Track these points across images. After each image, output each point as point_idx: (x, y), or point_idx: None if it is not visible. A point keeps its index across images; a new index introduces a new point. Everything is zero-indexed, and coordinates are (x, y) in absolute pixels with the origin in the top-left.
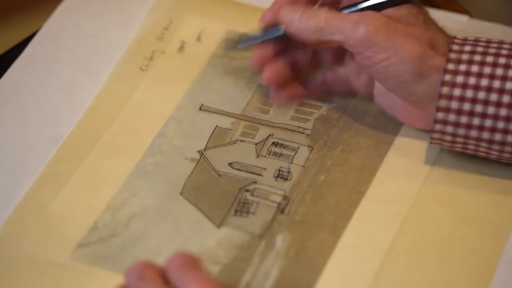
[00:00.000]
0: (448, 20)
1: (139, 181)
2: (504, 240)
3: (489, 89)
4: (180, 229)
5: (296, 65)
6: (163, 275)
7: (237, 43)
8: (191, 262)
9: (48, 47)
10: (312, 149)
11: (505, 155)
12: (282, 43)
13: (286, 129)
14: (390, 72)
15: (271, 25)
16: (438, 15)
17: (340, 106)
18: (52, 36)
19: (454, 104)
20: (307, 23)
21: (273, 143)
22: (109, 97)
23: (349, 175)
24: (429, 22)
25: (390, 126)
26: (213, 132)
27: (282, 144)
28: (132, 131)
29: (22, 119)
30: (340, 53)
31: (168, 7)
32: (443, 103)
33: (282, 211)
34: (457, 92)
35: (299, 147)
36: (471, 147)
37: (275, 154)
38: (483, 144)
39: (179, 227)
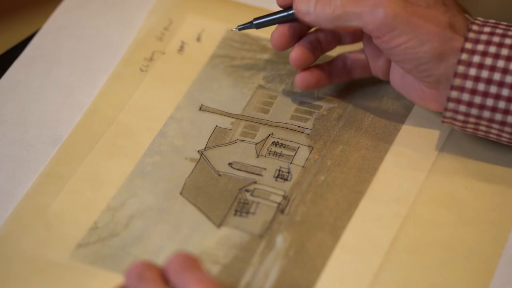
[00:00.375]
0: None
1: (139, 181)
2: (504, 240)
3: (505, 71)
4: (180, 229)
5: (320, 45)
6: (163, 275)
7: (252, 21)
8: (191, 262)
9: (48, 48)
10: (312, 149)
11: None
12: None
13: (286, 128)
14: (409, 54)
15: (287, 8)
16: None
17: (340, 106)
18: (52, 36)
19: (469, 84)
20: (323, 12)
21: (273, 142)
22: (109, 98)
23: (349, 175)
24: (449, 4)
25: (390, 126)
26: (213, 132)
27: (282, 143)
28: (132, 131)
29: (22, 119)
30: (359, 34)
31: (168, 7)
32: (457, 81)
33: (282, 211)
34: (472, 71)
35: (299, 147)
36: (483, 128)
37: (275, 154)
38: (495, 126)
39: (179, 227)
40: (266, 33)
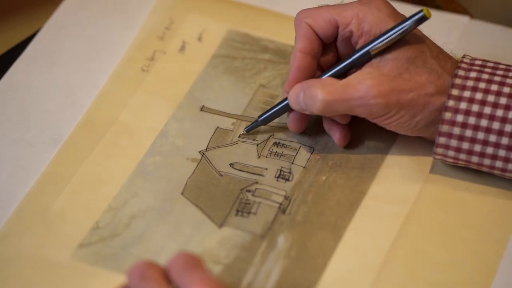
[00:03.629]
0: (448, 20)
1: (140, 181)
2: (505, 240)
3: (492, 117)
4: (181, 229)
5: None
6: (165, 275)
7: (257, 119)
8: (193, 261)
9: (48, 47)
10: (313, 149)
11: (508, 174)
12: None
13: (288, 128)
14: (403, 126)
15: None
16: (439, 16)
17: None
18: (52, 36)
19: (456, 130)
20: (310, 105)
21: (274, 143)
22: (109, 97)
23: (350, 175)
24: (429, 60)
25: None
26: (214, 133)
27: (283, 144)
28: (133, 131)
29: (22, 119)
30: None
31: (169, 6)
32: (445, 128)
33: (284, 211)
34: (459, 118)
35: (300, 147)
36: (474, 166)
37: (276, 154)
38: (485, 169)
39: (180, 227)
40: (267, 33)
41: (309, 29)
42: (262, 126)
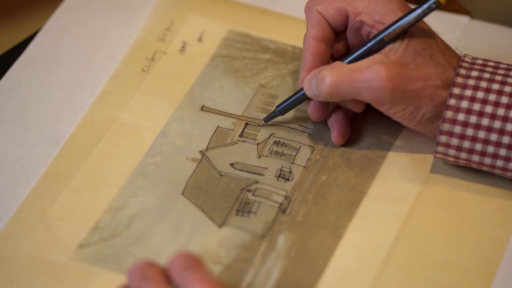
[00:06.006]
0: (448, 20)
1: (140, 181)
2: (505, 241)
3: (493, 116)
4: (182, 229)
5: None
6: (165, 275)
7: (275, 109)
8: (194, 262)
9: (49, 47)
10: (313, 149)
11: (508, 173)
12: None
13: (288, 127)
14: (408, 117)
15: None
16: (439, 16)
17: None
18: (53, 36)
19: (457, 129)
20: (319, 89)
21: (274, 142)
22: (110, 97)
23: (350, 175)
24: (436, 54)
25: (392, 126)
26: (214, 132)
27: (283, 143)
28: (133, 131)
29: (23, 119)
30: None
31: (170, 7)
32: (446, 126)
33: (284, 211)
34: (461, 117)
35: (300, 146)
36: (474, 166)
37: (276, 153)
38: (486, 168)
39: (181, 227)
40: (267, 33)
41: (320, 16)
42: (264, 125)
